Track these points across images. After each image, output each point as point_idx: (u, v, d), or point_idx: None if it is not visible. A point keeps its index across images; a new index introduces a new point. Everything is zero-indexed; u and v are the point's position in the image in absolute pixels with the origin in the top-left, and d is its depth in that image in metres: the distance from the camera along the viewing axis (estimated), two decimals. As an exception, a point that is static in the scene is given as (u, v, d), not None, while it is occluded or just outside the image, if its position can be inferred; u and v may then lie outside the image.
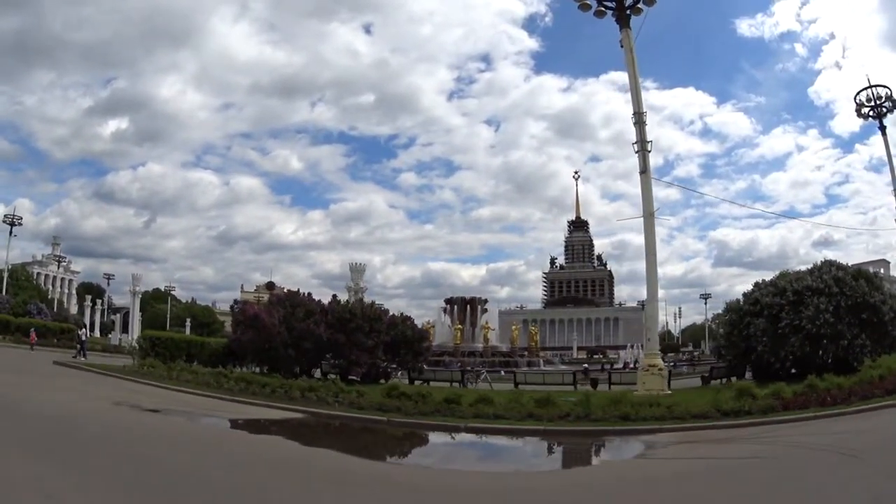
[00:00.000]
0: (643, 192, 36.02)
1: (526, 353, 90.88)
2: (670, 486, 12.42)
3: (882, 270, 77.08)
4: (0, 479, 10.33)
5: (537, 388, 34.83)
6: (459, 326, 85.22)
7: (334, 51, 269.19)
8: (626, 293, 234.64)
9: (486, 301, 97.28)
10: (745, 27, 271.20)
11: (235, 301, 48.95)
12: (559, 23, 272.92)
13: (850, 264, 40.21)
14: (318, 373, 41.32)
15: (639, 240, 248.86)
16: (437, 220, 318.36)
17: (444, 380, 43.61)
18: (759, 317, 37.69)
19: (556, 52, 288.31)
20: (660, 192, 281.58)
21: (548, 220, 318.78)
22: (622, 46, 36.72)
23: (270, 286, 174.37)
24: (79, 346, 45.21)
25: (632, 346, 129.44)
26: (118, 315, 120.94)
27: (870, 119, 53.27)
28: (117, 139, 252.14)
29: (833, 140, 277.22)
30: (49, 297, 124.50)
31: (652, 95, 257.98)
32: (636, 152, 36.32)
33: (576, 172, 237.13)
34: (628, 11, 36.32)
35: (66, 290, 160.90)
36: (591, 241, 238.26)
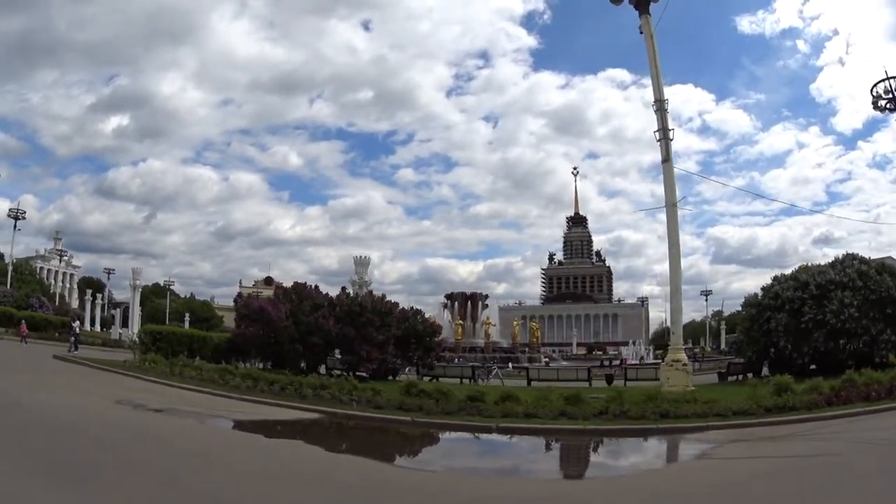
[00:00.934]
0: (665, 182, 35.24)
1: (527, 348, 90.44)
2: (758, 488, 11.38)
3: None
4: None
5: (552, 385, 34.41)
6: (460, 322, 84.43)
7: (333, 47, 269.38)
8: (624, 290, 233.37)
9: (486, 297, 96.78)
10: (746, 24, 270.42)
11: (239, 295, 47.37)
12: (557, 20, 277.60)
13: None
14: (322, 369, 39.99)
15: (636, 236, 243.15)
16: (434, 216, 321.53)
17: (454, 376, 42.86)
18: (780, 311, 36.88)
19: (555, 50, 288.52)
20: (658, 189, 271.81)
21: (545, 217, 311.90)
22: (641, 33, 35.82)
23: (269, 281, 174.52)
24: (73, 338, 44.14)
25: (634, 343, 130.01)
26: (118, 310, 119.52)
27: (886, 112, 51.09)
28: (119, 135, 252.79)
29: (835, 137, 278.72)
30: (51, 291, 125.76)
31: (649, 92, 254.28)
32: (658, 140, 35.48)
33: (574, 168, 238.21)
34: None
35: (68, 285, 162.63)
36: (590, 237, 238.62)
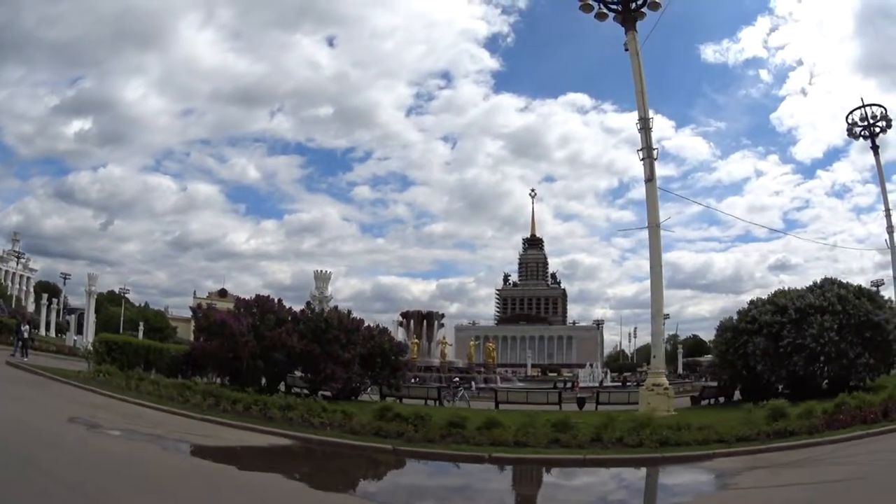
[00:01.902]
0: (648, 202, 34.87)
1: (483, 369, 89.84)
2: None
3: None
4: None
5: (521, 408, 33.83)
6: (416, 341, 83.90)
7: (296, 62, 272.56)
8: (577, 313, 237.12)
9: (442, 316, 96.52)
10: (710, 53, 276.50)
11: (198, 306, 45.56)
12: (521, 43, 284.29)
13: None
14: (282, 387, 38.05)
15: (590, 260, 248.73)
16: (389, 234, 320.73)
17: (418, 397, 41.91)
18: (758, 335, 36.45)
19: (517, 72, 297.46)
20: (613, 213, 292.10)
21: (499, 238, 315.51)
22: (626, 50, 35.42)
23: (223, 293, 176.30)
24: (20, 342, 40.76)
25: (590, 365, 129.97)
26: (73, 316, 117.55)
27: (861, 139, 52.39)
28: (81, 139, 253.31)
29: (794, 166, 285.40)
30: (8, 293, 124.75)
31: (609, 118, 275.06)
32: (641, 160, 35.27)
33: (532, 190, 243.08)
34: (634, 13, 35.18)
35: (24, 288, 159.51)
36: (546, 259, 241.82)
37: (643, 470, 17.60)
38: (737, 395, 40.19)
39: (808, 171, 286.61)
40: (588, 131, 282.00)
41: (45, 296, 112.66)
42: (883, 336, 34.97)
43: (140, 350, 37.30)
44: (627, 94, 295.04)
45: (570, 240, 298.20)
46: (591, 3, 34.84)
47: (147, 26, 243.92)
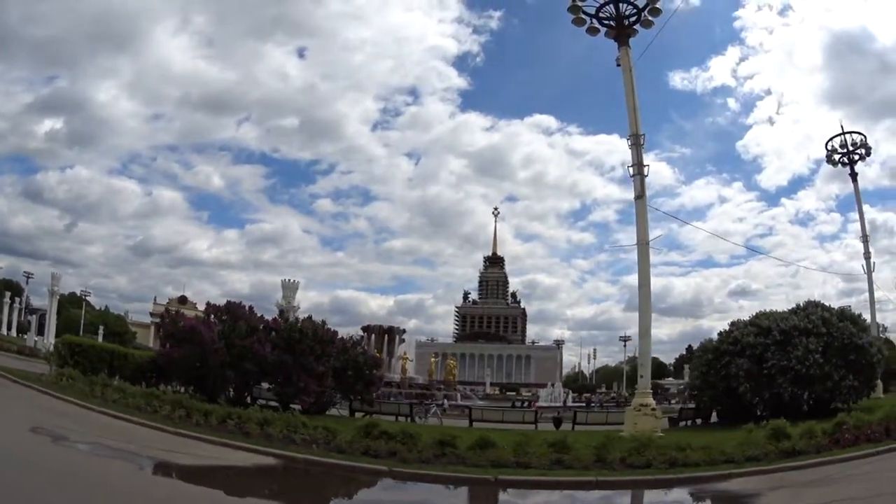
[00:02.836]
0: (638, 219, 34.22)
1: (443, 386, 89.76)
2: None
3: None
4: None
5: (497, 427, 32.28)
6: (377, 355, 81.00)
7: (266, 71, 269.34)
8: (534, 332, 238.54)
9: (403, 331, 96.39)
10: (678, 80, 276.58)
11: (167, 311, 43.83)
12: (489, 63, 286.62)
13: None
14: (249, 398, 37.33)
15: (549, 280, 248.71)
16: (349, 248, 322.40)
17: (389, 413, 39.82)
18: (741, 356, 36.27)
19: (484, 92, 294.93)
20: (574, 235, 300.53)
21: (459, 257, 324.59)
22: (619, 65, 35.26)
23: (183, 300, 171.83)
24: None
25: (552, 385, 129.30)
26: (35, 316, 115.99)
27: (840, 165, 53.47)
28: (51, 139, 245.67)
29: (758, 193, 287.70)
30: None
31: (574, 140, 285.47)
32: (631, 176, 34.57)
33: (495, 209, 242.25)
34: (628, 30, 35.13)
35: None
36: (507, 277, 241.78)
37: (660, 491, 17.22)
38: (713, 416, 40.37)
39: (772, 198, 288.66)
40: (553, 153, 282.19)
41: (7, 294, 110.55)
42: (867, 359, 35.33)
43: (104, 354, 35.65)
44: (593, 117, 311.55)
45: (530, 260, 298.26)
46: (583, 17, 34.68)
47: (124, 29, 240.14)
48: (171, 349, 35.62)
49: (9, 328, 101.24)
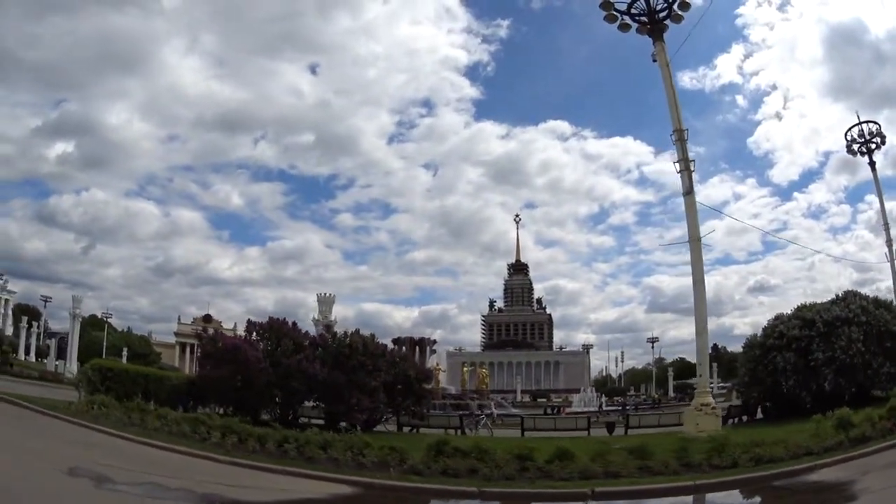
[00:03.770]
0: (688, 215, 34.62)
1: (476, 395, 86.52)
2: None
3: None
4: None
5: (550, 435, 32.20)
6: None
7: (279, 89, 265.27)
8: (559, 338, 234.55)
9: (434, 342, 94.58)
10: (687, 79, 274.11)
11: (204, 330, 41.61)
12: (501, 72, 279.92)
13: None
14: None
15: (572, 286, 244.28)
16: (371, 261, 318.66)
17: (438, 426, 38.07)
18: (787, 350, 36.43)
19: (497, 100, 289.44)
20: (594, 239, 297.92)
21: (481, 265, 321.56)
22: (654, 61, 35.72)
23: (208, 319, 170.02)
24: None
25: (585, 390, 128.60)
26: (54, 340, 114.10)
27: (859, 155, 53.01)
28: (62, 162, 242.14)
29: (771, 189, 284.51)
30: None
31: (589, 144, 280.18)
32: (678, 172, 35.18)
33: (517, 216, 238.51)
34: (660, 25, 35.37)
35: (1, 310, 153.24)
36: (531, 284, 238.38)
37: (772, 488, 16.62)
38: (758, 413, 40.22)
39: (784, 193, 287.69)
40: (568, 158, 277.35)
41: (24, 319, 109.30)
42: (903, 346, 35.30)
43: (138, 378, 33.28)
44: (606, 120, 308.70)
45: (552, 265, 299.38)
46: (615, 13, 34.78)
47: (130, 51, 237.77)
48: (212, 370, 33.66)
49: (27, 353, 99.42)
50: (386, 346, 39.83)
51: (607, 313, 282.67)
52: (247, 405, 32.51)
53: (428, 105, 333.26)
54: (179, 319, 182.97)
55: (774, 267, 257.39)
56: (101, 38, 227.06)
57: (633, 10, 34.56)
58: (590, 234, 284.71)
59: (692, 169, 34.26)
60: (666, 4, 34.40)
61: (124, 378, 32.11)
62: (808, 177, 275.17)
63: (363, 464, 18.13)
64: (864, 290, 41.81)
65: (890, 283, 49.56)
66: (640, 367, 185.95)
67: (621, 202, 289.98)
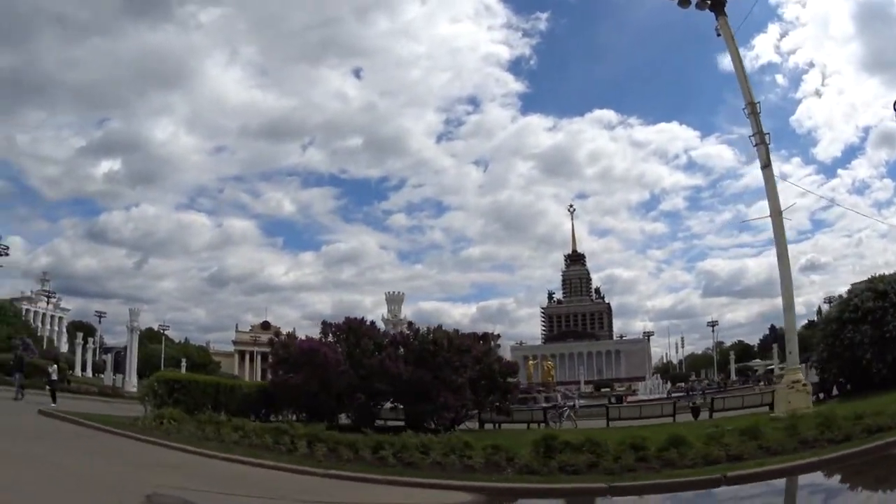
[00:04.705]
0: (768, 189, 33.72)
1: (542, 388, 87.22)
2: None
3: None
4: None
5: (636, 423, 32.76)
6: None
7: (324, 95, 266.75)
8: (617, 327, 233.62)
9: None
10: (727, 62, 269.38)
11: (276, 335, 39.64)
12: (543, 64, 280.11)
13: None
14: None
15: (627, 274, 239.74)
16: (427, 259, 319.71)
17: (521, 420, 38.21)
18: (863, 323, 35.80)
19: (542, 93, 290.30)
20: (647, 226, 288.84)
21: (536, 258, 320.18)
22: (719, 35, 34.78)
23: (266, 326, 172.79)
24: (48, 387, 35.44)
25: (650, 377, 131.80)
26: (109, 355, 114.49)
27: None
28: (110, 180, 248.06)
29: (816, 166, 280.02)
30: (38, 334, 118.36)
31: (636, 131, 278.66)
32: (755, 146, 34.45)
33: (571, 206, 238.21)
34: None
35: (56, 328, 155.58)
36: (589, 274, 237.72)
37: None
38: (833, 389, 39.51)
39: (829, 170, 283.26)
40: (616, 146, 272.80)
41: (79, 335, 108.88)
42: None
43: (208, 389, 31.69)
44: (651, 107, 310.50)
45: (606, 255, 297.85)
46: None
47: (171, 67, 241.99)
48: (286, 374, 32.16)
49: (83, 369, 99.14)
50: (471, 340, 37.68)
51: (663, 300, 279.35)
52: (323, 410, 30.97)
53: (474, 102, 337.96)
54: (237, 328, 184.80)
55: (824, 245, 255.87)
56: (141, 56, 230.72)
57: (692, -16, 33.37)
58: (642, 222, 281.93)
59: (768, 143, 33.64)
60: (725, -24, 33.25)
61: (193, 389, 30.56)
62: (851, 153, 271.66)
63: (471, 466, 16.77)
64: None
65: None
66: (699, 352, 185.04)
67: (671, 188, 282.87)
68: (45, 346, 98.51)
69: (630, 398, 75.66)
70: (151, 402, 29.40)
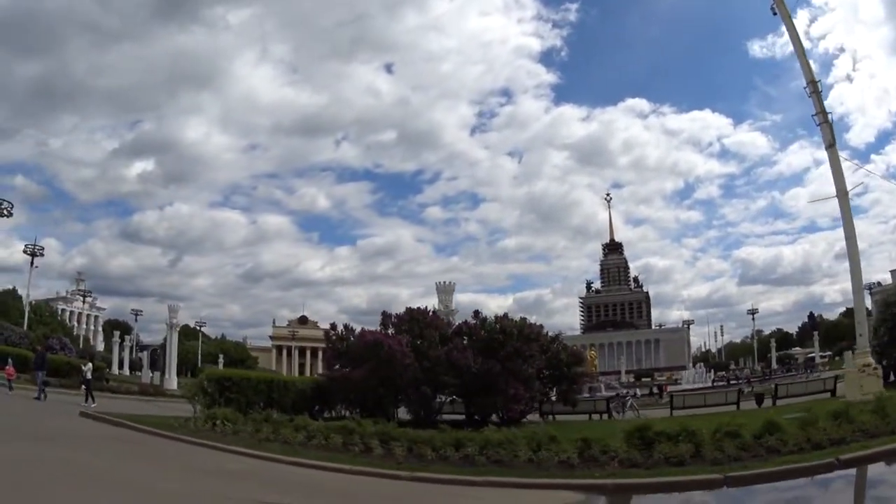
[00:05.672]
0: (833, 169, 33.62)
1: (586, 378, 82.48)
2: None
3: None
4: None
5: (700, 412, 32.30)
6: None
7: (356, 90, 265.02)
8: (654, 317, 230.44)
9: (541, 327, 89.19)
10: (757, 48, 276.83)
11: (332, 327, 37.74)
12: (575, 55, 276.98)
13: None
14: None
15: (663, 263, 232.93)
16: (463, 252, 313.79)
17: (583, 411, 37.23)
18: None
19: (574, 83, 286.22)
20: (681, 214, 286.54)
21: (572, 249, 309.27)
22: (775, 13, 34.83)
23: (303, 320, 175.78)
24: (82, 386, 33.81)
25: (690, 367, 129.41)
26: (145, 352, 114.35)
27: None
28: (144, 180, 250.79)
29: (849, 152, 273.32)
30: (74, 333, 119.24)
31: (669, 120, 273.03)
32: (818, 125, 34.00)
33: (607, 194, 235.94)
34: None
35: (92, 327, 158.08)
36: (627, 263, 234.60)
37: None
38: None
39: (862, 156, 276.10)
40: (649, 135, 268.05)
41: (116, 333, 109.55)
42: None
43: (260, 386, 30.09)
44: (683, 95, 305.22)
45: (642, 244, 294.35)
46: None
47: (201, 68, 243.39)
48: (344, 370, 31.01)
49: (120, 367, 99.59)
50: (542, 327, 36.36)
51: (699, 289, 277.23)
52: (382, 405, 29.84)
53: (506, 94, 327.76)
54: (274, 323, 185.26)
55: (859, 232, 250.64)
56: (171, 58, 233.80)
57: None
58: (677, 210, 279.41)
59: (831, 122, 33.03)
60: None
61: (245, 387, 28.93)
62: (884, 138, 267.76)
63: (566, 462, 15.85)
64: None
65: None
66: (737, 340, 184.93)
67: (705, 176, 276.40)
68: (81, 346, 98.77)
69: (670, 388, 74.73)
70: (201, 401, 27.74)
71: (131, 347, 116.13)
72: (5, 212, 74.05)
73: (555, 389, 35.32)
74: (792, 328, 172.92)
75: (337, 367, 32.00)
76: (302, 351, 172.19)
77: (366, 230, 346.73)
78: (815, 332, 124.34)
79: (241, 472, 15.16)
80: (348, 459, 16.91)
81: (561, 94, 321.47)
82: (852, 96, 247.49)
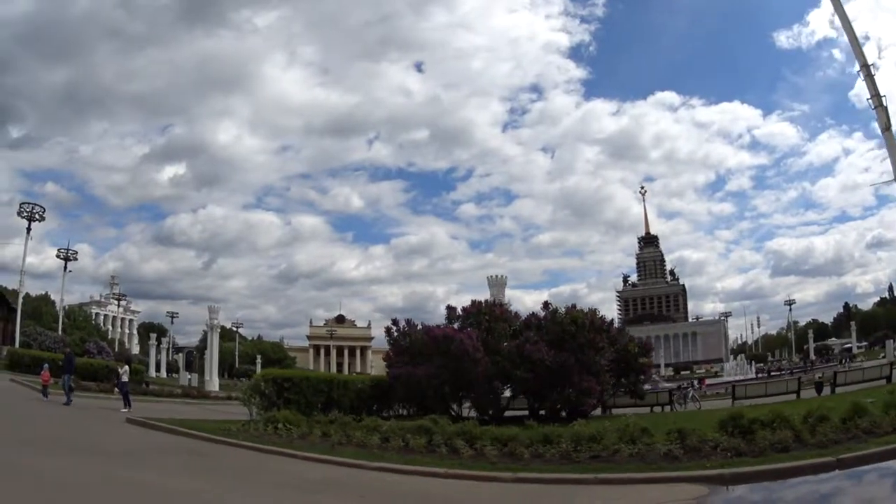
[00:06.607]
0: (890, 152, 31.73)
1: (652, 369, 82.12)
2: None
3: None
4: None
5: (761, 402, 31.89)
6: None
7: (387, 90, 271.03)
8: (689, 309, 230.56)
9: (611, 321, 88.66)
10: (784, 38, 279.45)
11: (394, 322, 36.12)
12: (603, 50, 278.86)
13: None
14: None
15: (696, 255, 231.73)
16: (497, 248, 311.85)
17: (644, 404, 36.74)
18: None
19: (603, 78, 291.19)
20: (713, 207, 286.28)
21: (606, 243, 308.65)
22: None
23: (340, 319, 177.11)
24: (117, 390, 32.55)
25: (731, 359, 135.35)
26: (181, 354, 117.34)
27: None
28: (175, 184, 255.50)
29: (877, 141, 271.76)
30: (109, 336, 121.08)
31: (698, 112, 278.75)
32: (873, 108, 32.40)
33: (642, 187, 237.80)
34: None
35: (127, 330, 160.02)
36: (663, 256, 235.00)
37: None
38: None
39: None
40: (680, 128, 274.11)
41: (152, 336, 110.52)
42: None
43: (321, 386, 29.20)
44: (712, 87, 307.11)
45: (675, 237, 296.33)
46: None
47: (230, 71, 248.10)
48: (408, 367, 29.52)
49: (157, 369, 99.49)
50: (613, 320, 36.31)
51: (733, 281, 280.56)
52: (445, 402, 29.42)
53: (537, 90, 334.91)
54: (311, 322, 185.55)
55: (890, 221, 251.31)
56: (199, 63, 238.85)
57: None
58: (709, 203, 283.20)
59: (886, 105, 31.44)
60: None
61: (305, 387, 28.03)
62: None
63: (670, 454, 15.10)
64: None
65: None
66: (772, 332, 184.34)
67: (736, 168, 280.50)
68: (116, 349, 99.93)
69: (709, 381, 75.51)
70: (258, 403, 26.73)
71: (167, 350, 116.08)
72: (37, 216, 74.22)
73: (621, 381, 33.92)
74: (825, 319, 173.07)
75: (400, 364, 30.67)
76: (339, 350, 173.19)
77: (400, 228, 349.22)
78: (852, 323, 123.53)
79: (328, 482, 13.95)
80: (436, 462, 15.91)
81: (591, 89, 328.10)
82: (879, 84, 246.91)
